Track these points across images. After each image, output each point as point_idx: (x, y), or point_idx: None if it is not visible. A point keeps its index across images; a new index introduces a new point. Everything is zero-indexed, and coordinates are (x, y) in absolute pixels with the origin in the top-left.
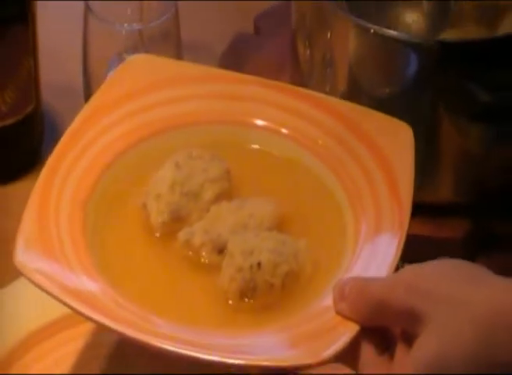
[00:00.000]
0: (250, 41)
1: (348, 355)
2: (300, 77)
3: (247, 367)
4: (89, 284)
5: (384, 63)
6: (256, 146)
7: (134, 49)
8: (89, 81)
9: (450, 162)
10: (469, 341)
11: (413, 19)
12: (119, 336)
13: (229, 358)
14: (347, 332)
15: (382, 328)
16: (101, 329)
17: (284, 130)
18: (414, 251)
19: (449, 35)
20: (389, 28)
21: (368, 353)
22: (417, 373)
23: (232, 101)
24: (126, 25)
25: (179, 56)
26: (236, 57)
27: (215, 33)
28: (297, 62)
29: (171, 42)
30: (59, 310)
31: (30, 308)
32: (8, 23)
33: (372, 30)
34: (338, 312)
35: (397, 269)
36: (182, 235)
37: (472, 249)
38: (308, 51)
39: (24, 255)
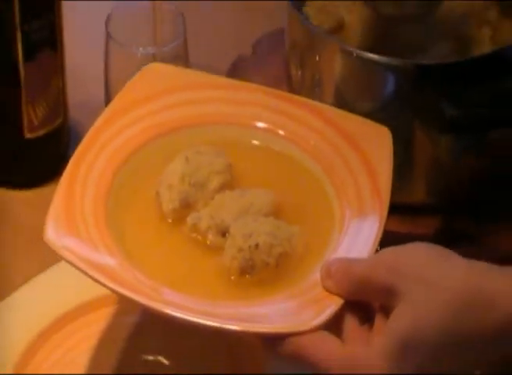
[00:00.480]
0: (249, 63)
1: (334, 324)
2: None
3: (244, 333)
4: (109, 260)
5: (366, 83)
6: (256, 144)
7: None
8: (109, 98)
9: (424, 169)
10: (441, 317)
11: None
12: (134, 304)
13: (228, 324)
14: (333, 305)
15: (363, 302)
16: (118, 311)
17: (281, 132)
18: (391, 246)
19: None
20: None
21: (350, 323)
22: (392, 340)
23: (236, 105)
24: (141, 49)
25: None
26: (238, 75)
27: (218, 55)
28: (290, 81)
29: (180, 63)
30: (80, 298)
31: (59, 295)
32: (41, 47)
33: (355, 54)
34: (325, 288)
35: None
36: (190, 220)
37: (442, 244)
38: (299, 72)
39: (53, 234)
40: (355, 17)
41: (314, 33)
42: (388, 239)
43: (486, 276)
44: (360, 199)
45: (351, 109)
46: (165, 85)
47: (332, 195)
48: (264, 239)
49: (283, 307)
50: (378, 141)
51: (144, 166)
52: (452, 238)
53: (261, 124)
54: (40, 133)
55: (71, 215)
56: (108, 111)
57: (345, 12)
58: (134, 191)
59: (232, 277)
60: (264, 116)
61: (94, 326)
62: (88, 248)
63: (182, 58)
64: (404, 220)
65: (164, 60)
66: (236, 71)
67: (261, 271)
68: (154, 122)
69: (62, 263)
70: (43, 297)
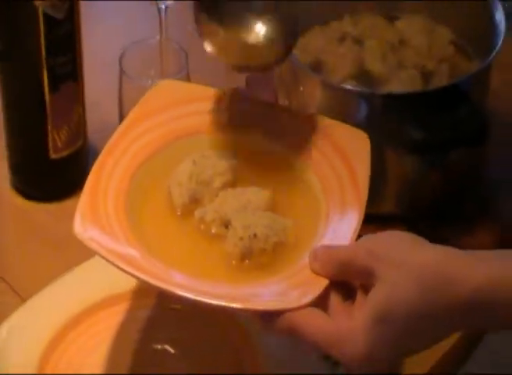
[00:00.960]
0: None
1: (321, 301)
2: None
3: (244, 311)
4: (129, 249)
5: (343, 110)
6: (255, 149)
7: None
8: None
9: (393, 184)
10: (412, 293)
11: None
12: (147, 285)
13: (230, 303)
14: (320, 284)
15: (346, 282)
16: (132, 306)
17: (277, 138)
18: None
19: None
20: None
21: (335, 300)
22: (371, 314)
23: (239, 116)
24: (150, 81)
25: None
26: None
27: (216, 86)
28: None
29: None
30: (100, 295)
31: (81, 292)
32: (64, 80)
33: (333, 85)
34: (313, 271)
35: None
36: (197, 213)
37: None
38: (287, 102)
39: (80, 228)
40: (331, 55)
41: (298, 68)
42: None
43: (451, 257)
44: (342, 197)
45: None
46: (174, 98)
47: (319, 193)
48: (261, 230)
49: (277, 288)
50: (358, 144)
51: (157, 169)
52: None
53: (259, 132)
54: (64, 154)
55: (95, 211)
56: (126, 121)
57: (322, 51)
58: (149, 190)
59: (234, 262)
60: (262, 124)
61: (112, 319)
62: (110, 238)
63: None
64: (377, 228)
65: None
66: None
67: (258, 257)
68: (165, 130)
69: (82, 266)
70: (66, 294)
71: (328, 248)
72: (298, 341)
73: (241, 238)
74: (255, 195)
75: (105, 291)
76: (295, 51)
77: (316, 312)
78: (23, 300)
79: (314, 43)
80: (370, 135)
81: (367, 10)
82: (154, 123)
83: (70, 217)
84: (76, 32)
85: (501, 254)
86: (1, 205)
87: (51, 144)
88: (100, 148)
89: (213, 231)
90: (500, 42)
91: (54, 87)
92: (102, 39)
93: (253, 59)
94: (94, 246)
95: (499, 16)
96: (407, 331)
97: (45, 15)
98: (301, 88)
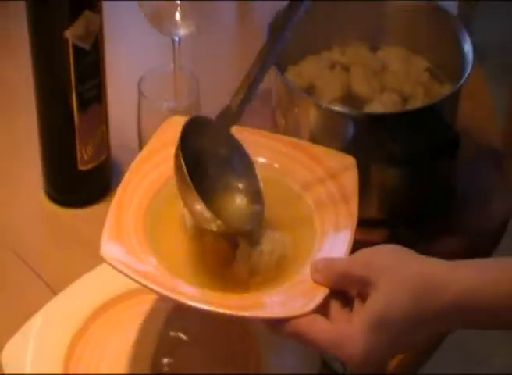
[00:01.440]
0: (245, 115)
1: (322, 308)
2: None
3: (254, 319)
4: (148, 266)
5: (331, 127)
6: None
7: None
8: (141, 140)
9: (376, 192)
10: (403, 301)
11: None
12: (165, 298)
13: (241, 312)
14: (321, 293)
15: (343, 290)
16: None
17: (276, 165)
18: (352, 250)
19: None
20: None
21: (335, 307)
22: (368, 320)
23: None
24: (165, 103)
25: None
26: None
27: (221, 107)
28: (276, 128)
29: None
30: (126, 287)
31: (108, 285)
32: (90, 102)
33: (323, 106)
34: (314, 281)
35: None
36: (209, 233)
37: None
38: (283, 121)
39: (106, 249)
40: (322, 80)
41: (294, 91)
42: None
43: (436, 267)
44: (336, 214)
45: None
46: None
47: (314, 212)
48: (266, 246)
49: (283, 297)
50: (347, 168)
51: (171, 194)
52: (394, 244)
53: (261, 159)
54: (90, 166)
55: (119, 235)
56: (143, 152)
57: (314, 77)
58: (166, 212)
59: (242, 275)
60: (264, 153)
61: (131, 311)
62: (133, 258)
63: (196, 110)
64: (362, 231)
65: (182, 111)
66: None
67: (264, 270)
68: None
69: (104, 264)
70: (91, 289)
71: (328, 260)
72: (303, 343)
73: (247, 255)
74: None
75: (125, 286)
76: (290, 76)
77: (318, 318)
78: (55, 293)
79: (307, 70)
80: (356, 150)
81: (353, 42)
82: (167, 154)
83: (96, 221)
84: (101, 60)
85: (478, 263)
86: (36, 210)
87: (79, 158)
88: (121, 161)
89: (223, 247)
90: (469, 70)
91: (81, 108)
92: (124, 66)
93: (228, 228)
94: (118, 266)
95: (468, 47)
96: (400, 335)
97: (74, 46)
98: (296, 109)
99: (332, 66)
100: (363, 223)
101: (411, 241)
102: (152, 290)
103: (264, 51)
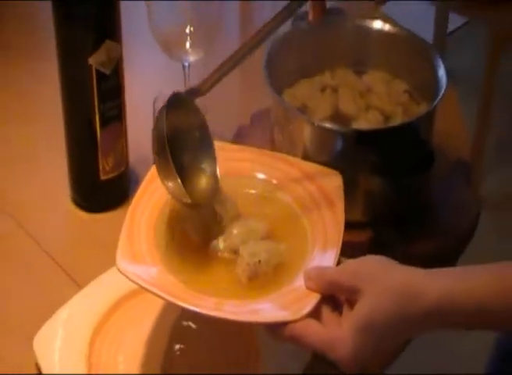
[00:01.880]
0: (247, 130)
1: (315, 312)
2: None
3: (252, 324)
4: (159, 276)
5: (322, 142)
6: (255, 191)
7: None
8: None
9: (361, 199)
10: (387, 307)
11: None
12: (171, 305)
13: (241, 317)
14: (314, 299)
15: (333, 296)
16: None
17: (274, 181)
18: (341, 250)
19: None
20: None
21: (326, 311)
22: (356, 324)
23: (241, 162)
24: None
25: None
26: (240, 139)
27: (226, 125)
28: (274, 143)
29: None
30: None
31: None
32: (111, 120)
33: (316, 124)
34: (307, 288)
35: (339, 262)
36: (212, 244)
37: (372, 249)
38: (280, 137)
39: (120, 262)
40: (314, 101)
41: (289, 110)
42: None
43: (416, 276)
44: (324, 226)
45: (314, 160)
46: None
47: (306, 224)
48: (264, 256)
49: (279, 303)
50: (334, 181)
51: (178, 207)
52: (377, 245)
53: (260, 175)
54: (110, 176)
55: (132, 248)
56: (151, 171)
57: (307, 98)
58: (172, 226)
59: (243, 283)
60: (263, 170)
61: (146, 303)
62: (143, 269)
63: None
64: (349, 232)
65: None
66: (238, 137)
67: (262, 278)
68: None
69: None
70: (110, 284)
71: (319, 269)
72: (299, 345)
73: (248, 264)
74: (255, 225)
75: None
76: (287, 98)
77: (312, 322)
78: (80, 288)
79: (301, 92)
80: (343, 162)
81: (341, 67)
82: None
83: (114, 224)
84: (120, 83)
85: (453, 271)
86: (63, 215)
87: (101, 169)
88: (138, 172)
89: (225, 257)
90: (442, 92)
91: (103, 125)
92: (140, 88)
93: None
94: (131, 276)
95: (441, 72)
96: (384, 337)
97: (97, 71)
98: (291, 126)
99: (323, 89)
100: (350, 226)
101: (392, 242)
102: (162, 298)
103: (240, 50)
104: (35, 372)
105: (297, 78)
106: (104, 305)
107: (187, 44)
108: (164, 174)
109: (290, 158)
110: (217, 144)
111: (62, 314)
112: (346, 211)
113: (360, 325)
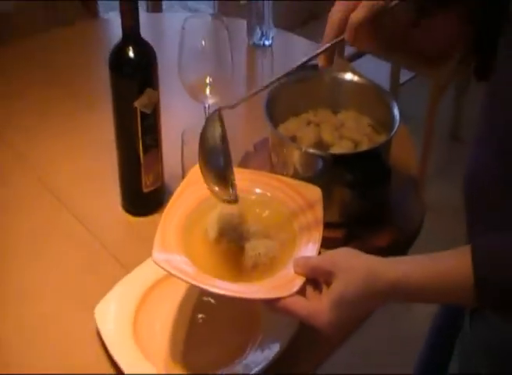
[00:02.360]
0: (252, 156)
1: (301, 291)
2: (273, 173)
3: (255, 300)
4: (184, 265)
5: (307, 163)
6: (255, 199)
7: None
8: (183, 173)
9: (337, 205)
10: (356, 288)
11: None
12: (195, 286)
13: (246, 295)
14: (300, 281)
15: (315, 279)
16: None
17: (268, 194)
18: (322, 243)
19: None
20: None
21: (309, 290)
22: (333, 300)
23: (245, 181)
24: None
25: None
26: (246, 163)
27: (233, 152)
28: (271, 165)
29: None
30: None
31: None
32: (151, 147)
33: (303, 149)
34: (295, 273)
35: (319, 253)
36: (224, 240)
37: (345, 242)
38: (277, 159)
39: (155, 254)
40: (301, 132)
41: (283, 139)
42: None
43: (376, 263)
44: (308, 227)
45: (302, 177)
46: None
47: (293, 224)
48: (263, 250)
49: (274, 284)
50: (315, 195)
51: (201, 213)
52: (349, 239)
53: (258, 190)
54: (151, 189)
55: (165, 243)
56: (183, 182)
57: (296, 130)
58: (196, 227)
59: (247, 270)
60: (260, 186)
61: (180, 283)
62: (173, 259)
63: None
64: (328, 230)
65: None
66: (244, 161)
67: (261, 267)
68: (203, 192)
69: None
70: (150, 270)
71: (304, 258)
72: (289, 316)
73: (251, 256)
74: (256, 228)
75: None
76: (281, 131)
77: (299, 298)
78: (128, 272)
79: (292, 126)
80: (323, 178)
81: (322, 108)
82: (196, 187)
83: (153, 225)
84: (157, 121)
85: (407, 259)
86: (115, 217)
87: (143, 184)
88: (170, 186)
89: (233, 250)
90: (397, 126)
91: (145, 152)
92: (173, 123)
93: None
94: (164, 266)
95: (396, 112)
96: (353, 308)
97: (141, 111)
98: (284, 151)
99: (308, 123)
100: (329, 225)
101: (360, 237)
102: (187, 282)
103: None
104: (95, 335)
105: (289, 116)
106: (145, 285)
107: (207, 91)
108: (210, 177)
109: (281, 177)
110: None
111: (115, 291)
112: (325, 214)
113: (335, 300)
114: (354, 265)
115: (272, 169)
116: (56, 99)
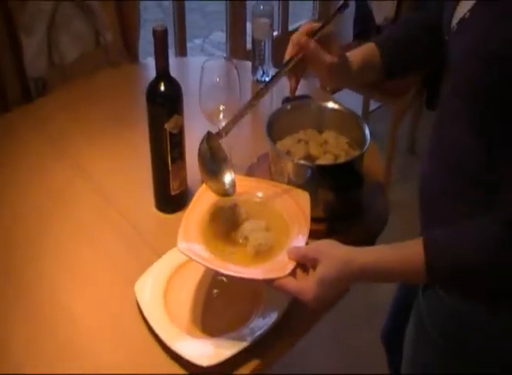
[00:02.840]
0: (255, 167)
1: (292, 273)
2: (272, 180)
3: (256, 280)
4: (203, 252)
5: (299, 173)
6: (257, 201)
7: None
8: (203, 180)
9: (321, 204)
10: (336, 270)
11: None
12: (209, 269)
13: (249, 276)
14: (292, 265)
15: (304, 264)
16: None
17: (268, 196)
18: (309, 235)
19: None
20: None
21: (299, 272)
22: (318, 280)
23: (249, 188)
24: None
25: None
26: (251, 172)
27: (240, 164)
28: (271, 174)
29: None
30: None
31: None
32: (177, 159)
33: (295, 161)
34: (288, 259)
35: (307, 243)
36: (233, 232)
37: (327, 234)
38: (274, 170)
39: (180, 243)
40: (294, 148)
41: (280, 154)
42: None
43: (351, 251)
44: (299, 223)
45: (294, 183)
46: None
47: (287, 221)
48: (263, 241)
49: (272, 268)
50: (303, 198)
51: (217, 210)
52: (330, 232)
53: (260, 194)
54: (177, 192)
55: (187, 235)
56: (202, 187)
57: (290, 146)
58: (210, 221)
59: (251, 256)
60: (260, 191)
61: (199, 266)
62: (193, 247)
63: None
64: (314, 224)
65: None
66: (250, 170)
67: (262, 254)
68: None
69: None
70: (176, 255)
71: (295, 248)
72: (283, 292)
73: (254, 246)
74: (258, 223)
75: None
76: (278, 147)
77: (291, 279)
78: (159, 257)
79: (286, 143)
80: (311, 184)
81: (310, 129)
82: (210, 194)
83: (178, 220)
84: (182, 139)
85: (375, 248)
86: (150, 215)
87: (171, 188)
88: (192, 190)
89: (240, 241)
90: (368, 143)
91: (172, 162)
92: (193, 142)
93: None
94: (188, 253)
95: (367, 132)
96: (332, 287)
97: (169, 132)
98: (281, 163)
99: (299, 141)
100: (314, 220)
101: (339, 229)
102: (204, 265)
103: (247, 104)
104: (135, 304)
105: (284, 135)
106: (172, 267)
107: (221, 116)
108: (208, 176)
109: (278, 183)
110: (237, 177)
111: (149, 272)
112: (311, 212)
113: (319, 280)
114: (334, 253)
115: (272, 177)
116: (106, 124)
